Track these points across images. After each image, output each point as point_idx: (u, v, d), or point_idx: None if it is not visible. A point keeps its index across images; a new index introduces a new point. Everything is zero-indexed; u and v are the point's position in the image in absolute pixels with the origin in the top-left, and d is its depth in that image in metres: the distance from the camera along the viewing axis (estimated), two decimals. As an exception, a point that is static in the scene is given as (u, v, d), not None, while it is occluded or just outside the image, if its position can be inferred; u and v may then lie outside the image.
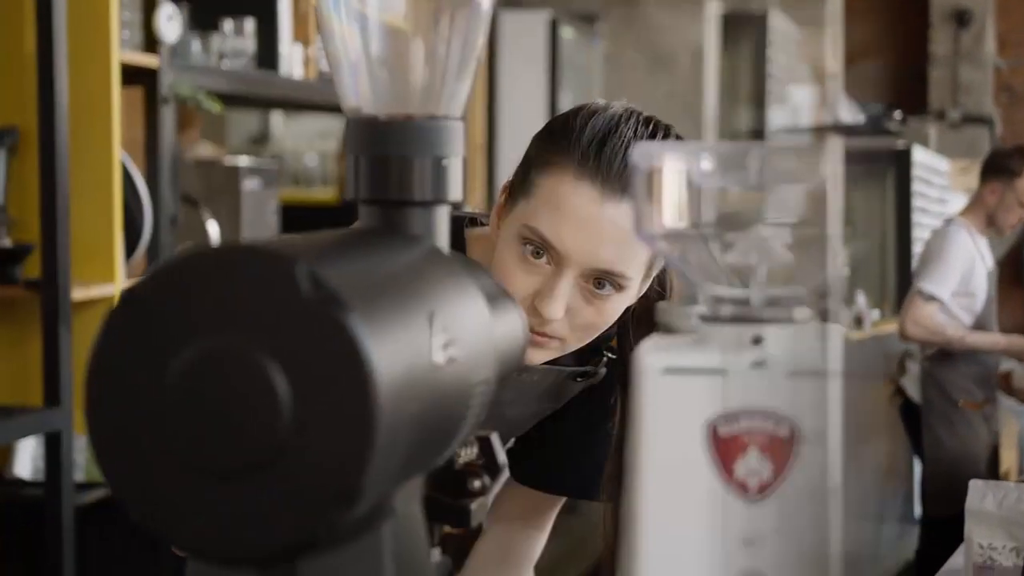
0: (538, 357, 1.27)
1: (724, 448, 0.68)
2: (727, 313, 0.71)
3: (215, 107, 2.78)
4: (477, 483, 0.86)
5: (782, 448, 0.68)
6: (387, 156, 0.81)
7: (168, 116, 2.68)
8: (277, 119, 4.97)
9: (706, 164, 0.71)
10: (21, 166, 2.46)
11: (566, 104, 6.00)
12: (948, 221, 4.41)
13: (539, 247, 1.23)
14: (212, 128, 3.97)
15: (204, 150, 3.63)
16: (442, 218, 0.82)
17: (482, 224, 1.41)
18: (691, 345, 0.72)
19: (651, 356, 0.70)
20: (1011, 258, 9.94)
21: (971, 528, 1.84)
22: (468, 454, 0.87)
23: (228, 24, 3.01)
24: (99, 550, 2.53)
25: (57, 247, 2.34)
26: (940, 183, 7.38)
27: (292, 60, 3.19)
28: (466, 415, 0.75)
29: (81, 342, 2.40)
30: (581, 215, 1.21)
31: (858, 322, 5.75)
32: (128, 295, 0.63)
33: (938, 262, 4.16)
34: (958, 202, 8.24)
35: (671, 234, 0.72)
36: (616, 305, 1.25)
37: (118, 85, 2.51)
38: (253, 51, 3.03)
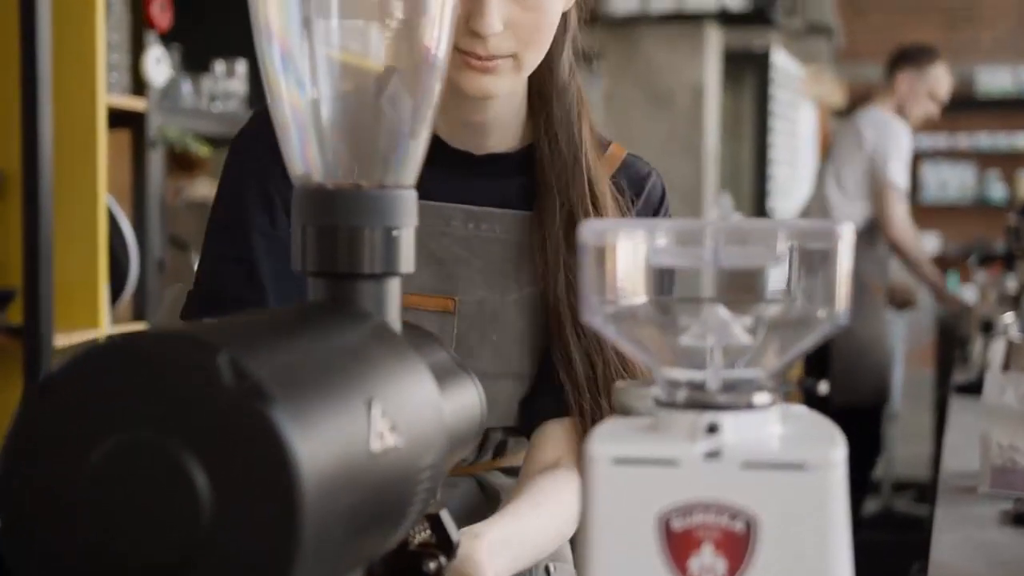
0: (497, 86, 1.21)
1: (677, 543, 0.65)
2: (682, 398, 0.68)
3: (203, 151, 2.75)
4: (432, 564, 0.83)
5: (738, 544, 0.64)
6: (335, 226, 0.77)
7: (156, 160, 2.65)
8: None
9: (660, 241, 0.68)
10: (5, 209, 2.43)
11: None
12: (865, 111, 4.52)
13: None
14: (216, 164, 3.95)
15: (205, 186, 3.60)
16: (393, 291, 0.79)
17: None
18: (644, 432, 0.68)
19: (602, 445, 0.66)
20: None
21: (988, 427, 1.70)
22: (421, 535, 0.84)
23: (219, 66, 2.99)
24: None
25: (40, 293, 2.31)
26: (794, 88, 7.52)
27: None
28: (412, 501, 0.72)
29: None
30: None
31: None
32: (46, 382, 0.60)
33: (895, 152, 4.28)
34: (808, 109, 8.36)
35: (622, 313, 0.69)
36: (552, 1, 1.20)
37: (104, 128, 2.48)
38: (244, 93, 3.01)
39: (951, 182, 10.11)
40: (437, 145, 1.28)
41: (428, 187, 1.25)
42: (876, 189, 4.32)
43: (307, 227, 0.78)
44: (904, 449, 5.62)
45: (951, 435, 2.40)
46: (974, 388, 2.68)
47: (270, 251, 1.23)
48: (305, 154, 0.79)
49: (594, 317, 0.68)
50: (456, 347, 1.22)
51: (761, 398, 0.67)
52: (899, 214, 4.27)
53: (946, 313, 5.44)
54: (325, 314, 0.75)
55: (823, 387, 4.35)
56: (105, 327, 2.51)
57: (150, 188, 2.64)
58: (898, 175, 4.27)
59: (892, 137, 4.31)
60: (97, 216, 2.46)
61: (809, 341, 0.68)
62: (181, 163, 3.73)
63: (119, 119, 2.60)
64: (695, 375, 0.68)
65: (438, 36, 0.81)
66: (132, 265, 2.58)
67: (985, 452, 1.74)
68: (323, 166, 0.79)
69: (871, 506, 5.23)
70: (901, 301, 4.85)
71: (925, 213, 10.12)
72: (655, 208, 1.32)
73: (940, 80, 4.44)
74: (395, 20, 0.81)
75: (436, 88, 0.82)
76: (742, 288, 0.70)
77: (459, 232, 1.26)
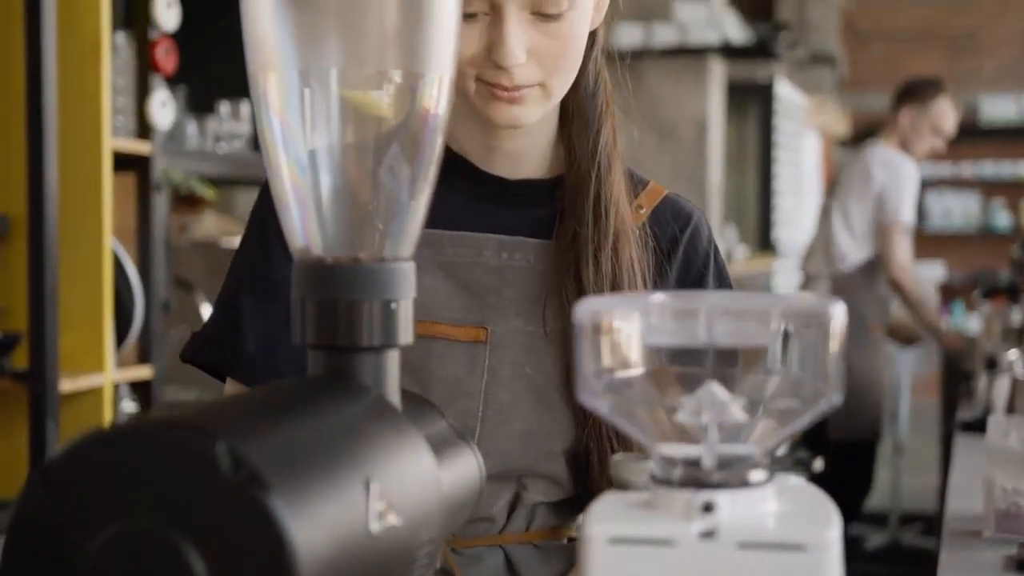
0: (526, 115, 1.17)
1: (673, 624, 0.65)
2: (677, 476, 0.68)
3: (208, 193, 2.77)
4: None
5: (734, 625, 0.65)
6: (335, 300, 0.78)
7: (161, 202, 2.66)
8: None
9: (654, 319, 0.69)
10: (10, 254, 2.44)
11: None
12: (873, 147, 4.53)
13: (467, 2, 1.12)
14: (222, 203, 3.97)
15: (211, 222, 3.61)
16: (392, 363, 0.80)
17: None
18: (640, 510, 0.69)
19: (599, 525, 0.67)
20: None
21: (993, 469, 1.68)
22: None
23: (224, 107, 3.01)
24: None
25: (45, 338, 2.32)
26: (798, 118, 7.54)
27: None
28: (410, 576, 0.72)
29: (69, 435, 2.37)
30: None
31: (728, 257, 5.81)
32: (47, 468, 0.61)
33: (905, 191, 4.30)
34: (812, 139, 8.39)
35: (617, 388, 0.70)
36: (577, 23, 1.15)
37: (110, 172, 2.50)
38: (249, 134, 3.02)
39: (955, 211, 10.13)
40: (470, 171, 1.26)
41: (461, 216, 1.25)
42: (881, 227, 4.32)
43: (306, 300, 0.79)
44: (911, 481, 5.61)
45: (955, 475, 2.40)
46: (979, 426, 2.68)
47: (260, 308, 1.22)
48: (305, 228, 0.80)
49: (588, 394, 0.69)
50: (488, 379, 1.18)
51: (756, 475, 0.68)
52: (902, 253, 4.28)
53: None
54: (324, 390, 0.75)
55: (818, 464, 4.34)
56: (110, 371, 2.51)
57: (155, 231, 2.65)
58: (906, 214, 4.28)
59: (903, 177, 4.32)
60: (102, 260, 2.47)
61: (804, 420, 0.69)
62: (187, 199, 3.75)
63: (124, 162, 2.62)
64: (690, 451, 0.69)
65: (437, 98, 0.81)
66: (137, 308, 2.59)
67: (989, 496, 1.74)
68: (322, 240, 0.80)
69: (878, 539, 5.22)
70: (905, 338, 4.84)
71: (930, 242, 10.14)
72: (701, 250, 1.27)
73: (943, 114, 4.44)
74: (393, 86, 0.81)
75: (436, 151, 0.82)
76: (738, 363, 0.70)
77: (491, 262, 1.22)
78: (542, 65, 1.15)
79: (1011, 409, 2.72)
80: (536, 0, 1.12)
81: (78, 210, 2.46)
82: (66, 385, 2.39)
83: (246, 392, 0.76)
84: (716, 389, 0.69)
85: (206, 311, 2.93)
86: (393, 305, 0.79)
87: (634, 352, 0.69)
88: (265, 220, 1.24)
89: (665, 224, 1.27)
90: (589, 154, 1.23)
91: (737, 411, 0.69)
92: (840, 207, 4.40)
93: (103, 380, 2.50)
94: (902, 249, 4.28)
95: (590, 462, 1.20)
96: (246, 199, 4.01)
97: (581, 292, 1.18)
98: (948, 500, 2.11)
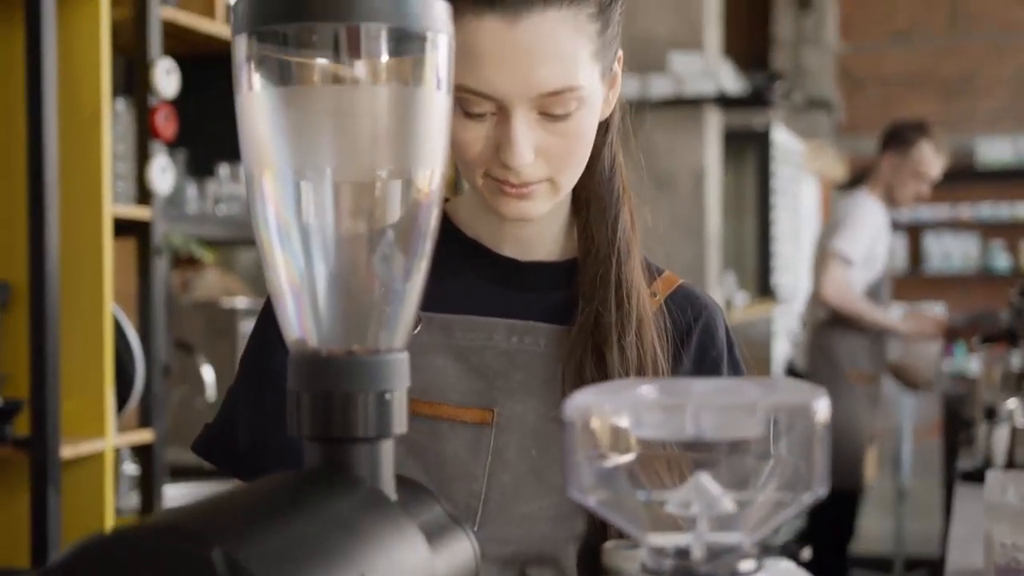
0: (535, 208, 1.17)
1: None
2: (668, 567, 0.69)
3: (207, 256, 2.79)
4: None
5: None
6: (330, 392, 0.80)
7: (161, 267, 2.68)
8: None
9: (643, 413, 0.70)
10: (11, 321, 2.46)
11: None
12: (855, 194, 4.53)
13: (474, 103, 1.12)
14: (223, 263, 3.99)
15: (212, 279, 3.63)
16: (387, 452, 0.81)
17: None
18: (632, 602, 0.70)
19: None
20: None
21: (991, 525, 1.68)
22: None
23: (224, 169, 3.03)
24: None
25: (47, 405, 2.33)
26: (795, 164, 7.57)
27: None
28: (406, 668, 0.73)
29: (70, 501, 2.38)
30: (495, 49, 1.10)
31: (728, 305, 5.79)
32: (45, 574, 0.62)
33: (851, 225, 4.27)
34: (810, 184, 8.42)
35: (606, 481, 0.71)
36: (586, 121, 1.15)
37: (111, 239, 2.52)
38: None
39: (954, 253, 10.15)
40: (482, 254, 1.26)
41: (473, 299, 1.26)
42: (819, 258, 4.34)
43: (302, 393, 0.80)
44: (915, 526, 5.60)
45: (956, 527, 2.40)
46: (979, 476, 2.68)
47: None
48: (300, 320, 0.82)
49: (578, 487, 0.70)
50: (492, 461, 1.19)
51: (746, 565, 0.69)
52: (834, 277, 4.25)
53: (953, 390, 5.45)
54: (319, 483, 0.76)
55: (806, 554, 4.33)
56: (111, 436, 2.52)
57: (155, 295, 2.67)
58: (844, 243, 4.25)
59: (859, 213, 4.33)
60: (103, 326, 2.48)
61: (792, 510, 0.70)
62: (189, 258, 3.77)
63: (124, 227, 2.64)
64: (680, 540, 0.70)
65: (429, 192, 0.83)
66: (138, 372, 2.60)
67: (988, 551, 1.75)
68: (317, 332, 0.81)
69: (884, 586, 5.20)
70: (909, 382, 4.84)
71: (929, 283, 10.16)
72: (718, 341, 1.27)
73: (925, 159, 4.44)
74: (386, 182, 0.83)
75: (428, 242, 0.84)
76: (726, 455, 0.72)
77: (502, 346, 1.22)
78: (550, 163, 1.15)
79: (1011, 459, 2.73)
80: (544, 102, 1.12)
81: (79, 276, 2.48)
82: (67, 451, 2.40)
83: (244, 488, 0.77)
84: (705, 480, 0.70)
85: (207, 373, 2.94)
86: (387, 396, 0.80)
87: (623, 445, 0.71)
88: (269, 315, 1.26)
89: (679, 312, 1.27)
90: (608, 239, 1.23)
91: (726, 502, 0.70)
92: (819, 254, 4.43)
93: (104, 445, 2.51)
94: (832, 277, 4.23)
95: (596, 551, 1.19)
96: (246, 257, 4.03)
97: (605, 377, 1.18)
98: (948, 553, 2.12)
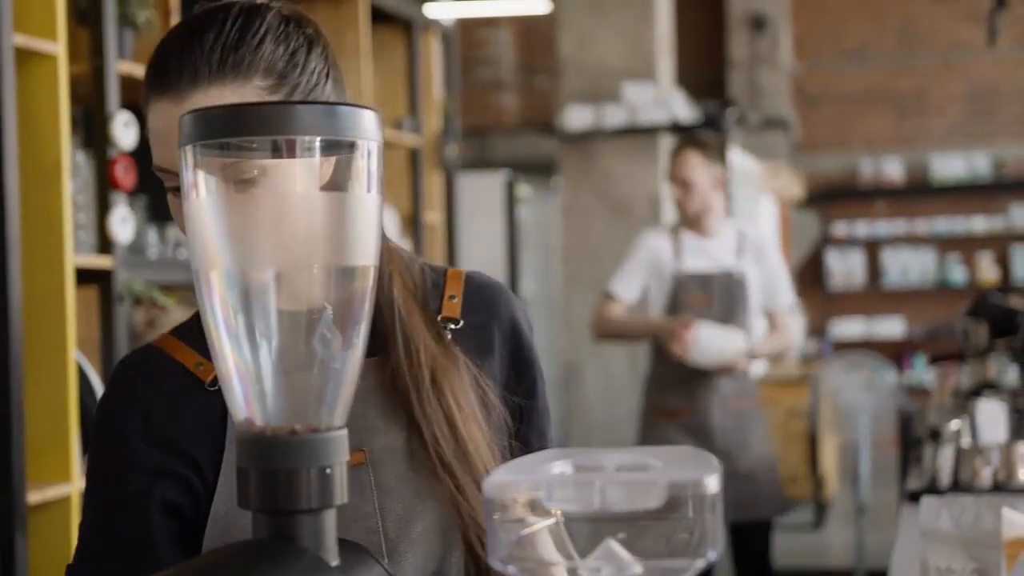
0: None
1: None
2: (579, 628, 0.77)
3: (168, 303, 2.85)
4: None
5: None
6: (275, 469, 0.87)
7: (122, 313, 2.75)
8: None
9: (555, 490, 0.78)
10: (-23, 370, 2.51)
11: (525, 260, 6.15)
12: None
13: (167, 179, 1.18)
14: (185, 298, 4.03)
15: (177, 316, 3.67)
16: (329, 521, 0.88)
17: None
18: (548, 659, 0.78)
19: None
20: (811, 262, 10.33)
21: (927, 549, 1.74)
22: None
23: (183, 214, 3.10)
24: None
25: (12, 452, 2.39)
26: (753, 184, 7.68)
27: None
28: None
29: (37, 546, 2.43)
30: (167, 128, 1.16)
31: None
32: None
33: (622, 263, 4.14)
34: (768, 203, 8.56)
35: (523, 551, 0.79)
36: (284, 186, 1.11)
37: (73, 288, 2.58)
38: (208, 239, 3.11)
39: (912, 267, 10.31)
40: None
41: None
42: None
43: (249, 469, 0.88)
44: (875, 538, 5.69)
45: (899, 549, 2.48)
46: (924, 496, 2.75)
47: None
48: (247, 403, 0.89)
49: (498, 558, 0.78)
50: (379, 496, 1.23)
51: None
52: (594, 317, 4.15)
53: (907, 404, 5.54)
54: (266, 554, 0.84)
55: None
56: (76, 480, 2.58)
57: (117, 341, 2.73)
58: (613, 282, 4.15)
59: (629, 251, 4.23)
60: (67, 373, 2.54)
61: (692, 571, 0.78)
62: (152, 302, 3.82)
63: (86, 276, 2.70)
64: (592, 602, 0.78)
65: (364, 283, 0.91)
66: (102, 417, 2.66)
67: (924, 576, 1.82)
68: (262, 413, 0.89)
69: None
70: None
71: (888, 298, 10.32)
72: (514, 325, 1.32)
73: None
74: (323, 277, 0.90)
75: (365, 321, 0.92)
76: (632, 523, 0.80)
77: None
78: None
79: (955, 480, 2.81)
80: (227, 174, 1.10)
81: (42, 325, 2.53)
82: (34, 496, 2.46)
83: (196, 560, 0.84)
84: (614, 546, 0.79)
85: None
86: (328, 470, 0.88)
87: (537, 517, 0.79)
88: (113, 437, 1.24)
89: (479, 303, 1.31)
90: (388, 302, 1.25)
91: (633, 566, 0.78)
92: None
93: (71, 490, 2.57)
94: (597, 310, 4.14)
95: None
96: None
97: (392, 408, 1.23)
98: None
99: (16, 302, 2.43)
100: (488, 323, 1.31)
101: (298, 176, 0.90)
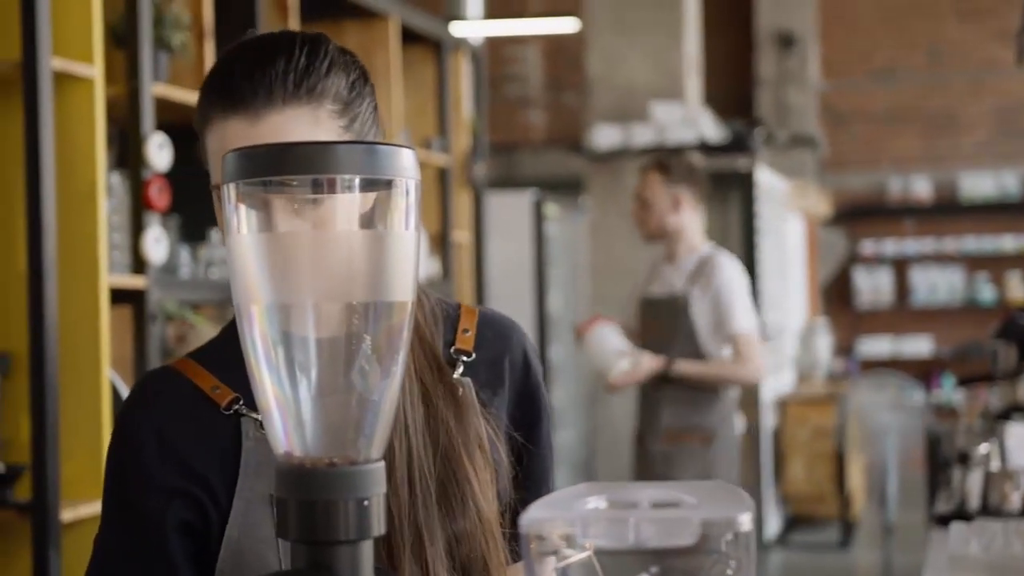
0: None
1: None
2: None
3: (200, 322, 2.88)
4: None
5: None
6: (314, 500, 0.89)
7: (155, 333, 2.78)
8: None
9: (590, 526, 0.79)
10: (12, 389, 2.55)
11: (553, 278, 6.16)
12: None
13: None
14: (215, 314, 4.07)
15: (207, 333, 3.70)
16: (367, 552, 0.90)
17: None
18: None
19: None
20: (838, 280, 10.27)
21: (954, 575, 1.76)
22: None
23: (216, 234, 3.13)
24: None
25: (47, 470, 2.41)
26: (780, 202, 7.65)
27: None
28: None
29: (71, 565, 2.46)
30: (234, 145, 1.12)
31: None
32: None
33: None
34: (795, 221, 8.53)
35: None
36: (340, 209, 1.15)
37: (107, 308, 2.61)
38: (240, 258, 3.14)
39: (940, 285, 10.26)
40: None
41: None
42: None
43: (288, 500, 0.89)
44: (903, 558, 5.67)
45: (928, 574, 2.48)
46: (953, 520, 2.75)
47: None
48: (286, 436, 0.91)
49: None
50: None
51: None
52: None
53: (935, 424, 5.52)
54: (306, 585, 0.85)
55: None
56: (110, 498, 2.60)
57: (150, 360, 2.76)
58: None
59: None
60: (100, 392, 2.57)
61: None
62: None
63: (120, 296, 2.73)
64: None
65: (401, 318, 0.92)
66: (135, 435, 2.68)
67: (954, 603, 1.83)
68: (301, 446, 0.91)
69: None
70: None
71: (916, 316, 10.28)
72: (526, 361, 1.34)
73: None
74: (363, 306, 0.92)
75: (402, 353, 0.93)
76: (667, 558, 0.81)
77: None
78: None
79: (985, 504, 2.80)
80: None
81: (77, 345, 2.56)
82: (67, 514, 2.48)
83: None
84: (649, 579, 0.80)
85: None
86: (366, 503, 0.89)
87: (572, 552, 0.80)
88: (134, 447, 1.25)
89: (492, 337, 1.33)
90: None
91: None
92: None
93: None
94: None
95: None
96: (238, 312, 4.13)
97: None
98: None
99: (52, 322, 2.46)
100: (500, 358, 1.33)
101: (338, 213, 0.91)
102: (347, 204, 0.89)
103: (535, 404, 1.35)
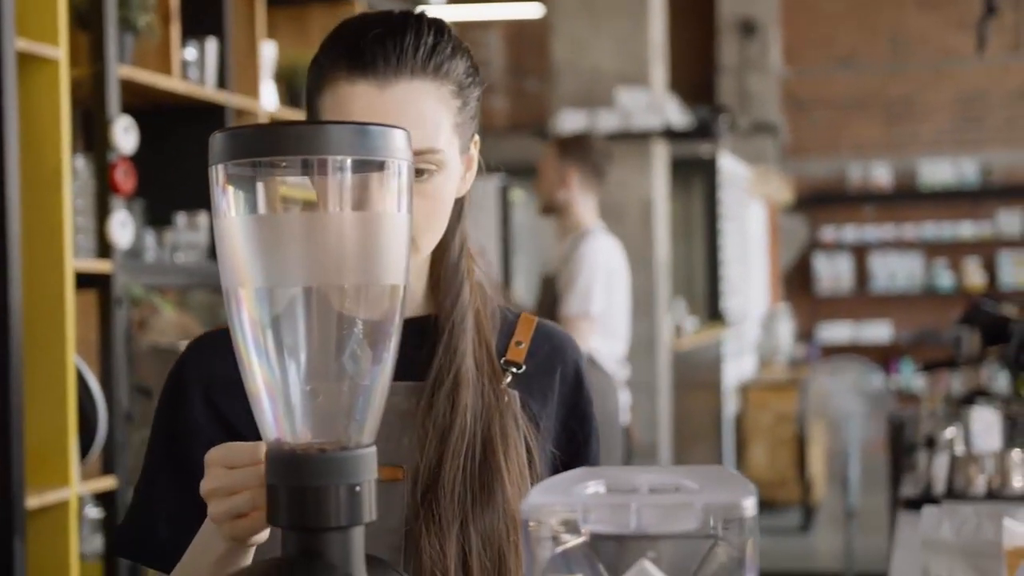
0: None
1: None
2: (613, 649, 0.77)
3: (166, 307, 2.85)
4: None
5: None
6: (304, 487, 0.87)
7: (121, 317, 2.74)
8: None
9: (591, 512, 0.78)
10: (-24, 375, 2.51)
11: (519, 264, 6.16)
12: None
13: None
14: (179, 299, 4.03)
15: (169, 317, 3.67)
16: (358, 538, 0.89)
17: None
18: None
19: None
20: (799, 266, 10.37)
21: (927, 559, 1.75)
22: None
23: (181, 218, 3.10)
24: None
25: (12, 457, 2.38)
26: (742, 188, 7.70)
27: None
28: None
29: (36, 551, 2.42)
30: (366, 111, 1.18)
31: (678, 331, 5.82)
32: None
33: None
34: (757, 207, 8.59)
35: (558, 568, 0.79)
36: (444, 186, 1.21)
37: (72, 292, 2.57)
38: (206, 244, 3.11)
39: (899, 272, 10.33)
40: None
41: None
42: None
43: (279, 487, 0.88)
44: (865, 542, 5.71)
45: (897, 556, 2.48)
46: (920, 503, 2.76)
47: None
48: (276, 422, 0.89)
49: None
50: (408, 514, 1.22)
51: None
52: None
53: (896, 409, 5.56)
54: (296, 572, 0.84)
55: None
56: (75, 485, 2.57)
57: (116, 344, 2.73)
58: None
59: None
60: (66, 377, 2.54)
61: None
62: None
63: (85, 280, 2.69)
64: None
65: (391, 302, 0.91)
66: (100, 421, 2.65)
67: (924, 586, 1.82)
68: (291, 432, 0.89)
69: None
70: None
71: (875, 302, 10.35)
72: (577, 377, 1.34)
73: None
74: (353, 289, 0.90)
75: (394, 339, 0.92)
76: (667, 544, 0.80)
77: (402, 406, 1.25)
78: (413, 222, 1.22)
79: (950, 488, 2.82)
80: None
81: (42, 330, 2.53)
82: (32, 501, 2.45)
83: (228, 578, 0.85)
84: (648, 567, 0.79)
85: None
86: (357, 488, 0.88)
87: (574, 537, 0.79)
88: (179, 400, 1.27)
89: (545, 352, 1.34)
90: (447, 313, 1.28)
91: (666, 584, 0.79)
92: None
93: (68, 494, 2.56)
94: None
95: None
96: (203, 298, 4.10)
97: (423, 437, 1.23)
98: (891, 583, 2.20)
99: (16, 306, 2.43)
100: (551, 371, 1.33)
101: (328, 195, 0.89)
102: (337, 185, 0.88)
103: (584, 421, 1.35)
